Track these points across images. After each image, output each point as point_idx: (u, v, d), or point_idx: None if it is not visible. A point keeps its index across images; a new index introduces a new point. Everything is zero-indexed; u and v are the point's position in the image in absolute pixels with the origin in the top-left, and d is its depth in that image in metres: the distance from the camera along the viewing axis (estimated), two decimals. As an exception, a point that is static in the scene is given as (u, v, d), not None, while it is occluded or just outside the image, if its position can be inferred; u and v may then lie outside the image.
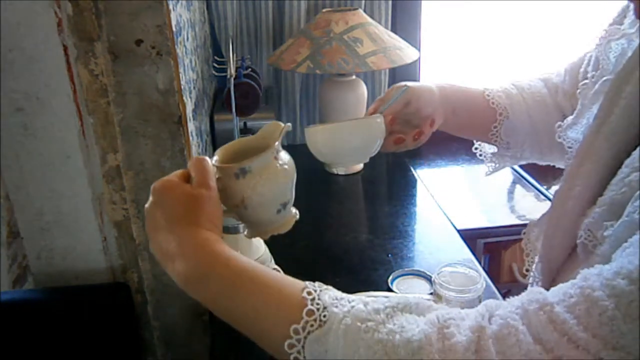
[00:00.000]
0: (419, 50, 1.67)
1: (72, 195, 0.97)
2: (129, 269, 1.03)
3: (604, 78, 0.68)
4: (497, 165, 0.95)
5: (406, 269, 1.08)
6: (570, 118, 0.75)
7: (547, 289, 0.57)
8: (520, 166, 1.70)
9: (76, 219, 0.98)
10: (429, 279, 1.04)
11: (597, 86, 0.69)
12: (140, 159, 0.96)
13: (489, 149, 0.96)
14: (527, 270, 0.80)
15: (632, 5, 0.67)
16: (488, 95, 0.89)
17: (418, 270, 1.08)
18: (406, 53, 1.40)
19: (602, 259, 0.55)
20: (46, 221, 0.98)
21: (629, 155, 0.59)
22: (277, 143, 0.64)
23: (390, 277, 1.06)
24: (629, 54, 0.65)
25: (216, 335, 1.00)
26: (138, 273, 1.04)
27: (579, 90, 0.75)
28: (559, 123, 0.77)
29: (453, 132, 0.94)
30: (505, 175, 1.74)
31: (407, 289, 1.03)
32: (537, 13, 1.87)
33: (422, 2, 1.69)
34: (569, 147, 0.73)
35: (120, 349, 0.99)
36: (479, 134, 0.93)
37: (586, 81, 0.74)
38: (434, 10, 1.79)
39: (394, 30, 1.62)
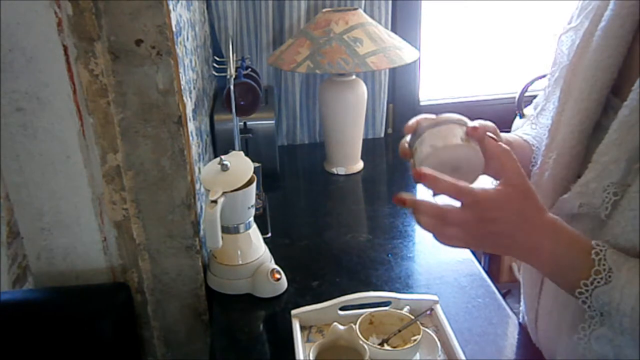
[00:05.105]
0: (419, 50, 1.67)
1: (72, 195, 0.97)
2: (129, 269, 1.03)
3: (562, 66, 0.79)
4: None
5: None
6: (539, 106, 0.85)
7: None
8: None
9: (76, 219, 0.99)
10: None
11: (557, 73, 0.80)
12: (140, 159, 0.96)
13: None
14: None
15: (580, 4, 0.78)
16: (517, 134, 0.89)
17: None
18: (406, 53, 1.40)
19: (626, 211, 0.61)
20: (46, 221, 0.98)
21: (594, 121, 0.69)
22: None
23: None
24: (577, 42, 0.75)
25: (216, 335, 1.00)
26: (138, 273, 1.04)
27: (542, 88, 0.86)
28: (532, 114, 0.86)
29: None
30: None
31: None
32: (537, 13, 1.87)
33: (422, 2, 1.69)
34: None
35: (120, 349, 0.99)
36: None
37: (549, 76, 0.84)
38: (434, 10, 1.79)
39: (394, 30, 1.62)
